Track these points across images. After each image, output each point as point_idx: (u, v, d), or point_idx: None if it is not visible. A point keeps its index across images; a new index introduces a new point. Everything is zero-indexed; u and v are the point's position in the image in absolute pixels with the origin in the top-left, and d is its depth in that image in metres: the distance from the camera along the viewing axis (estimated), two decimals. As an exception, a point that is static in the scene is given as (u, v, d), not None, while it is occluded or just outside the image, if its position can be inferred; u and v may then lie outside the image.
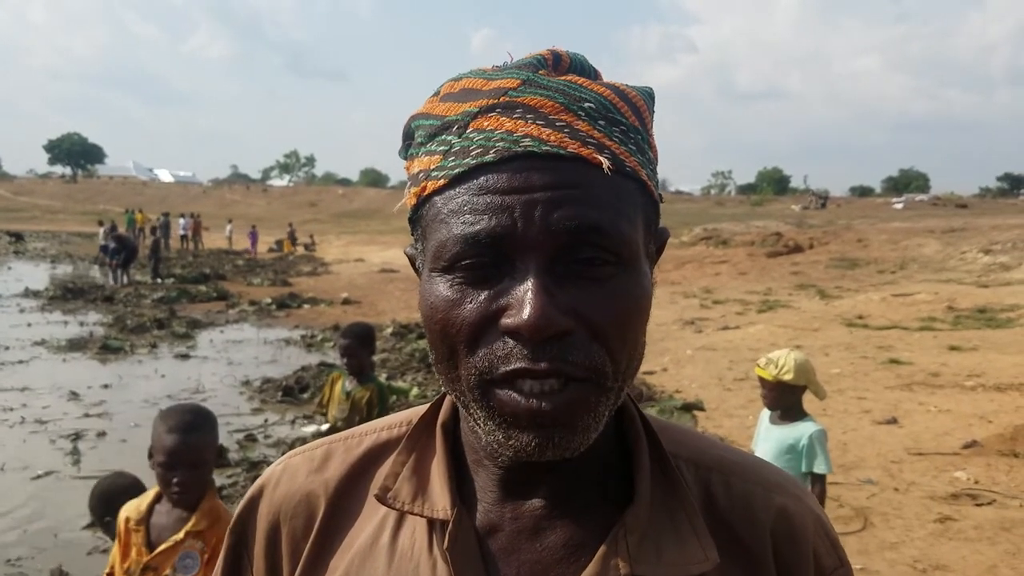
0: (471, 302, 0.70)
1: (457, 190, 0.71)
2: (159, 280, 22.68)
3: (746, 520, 0.81)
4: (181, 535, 2.48)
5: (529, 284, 0.68)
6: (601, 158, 0.70)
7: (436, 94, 0.78)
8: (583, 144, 0.70)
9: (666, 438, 0.84)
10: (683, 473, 0.83)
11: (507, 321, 0.68)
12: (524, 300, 0.67)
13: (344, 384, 4.73)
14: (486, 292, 0.70)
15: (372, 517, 0.84)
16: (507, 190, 0.69)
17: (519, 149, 0.69)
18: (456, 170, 0.71)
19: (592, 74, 0.78)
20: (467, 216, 0.70)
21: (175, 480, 2.51)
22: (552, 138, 0.69)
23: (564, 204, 0.68)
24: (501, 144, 0.70)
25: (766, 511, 0.82)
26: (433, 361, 0.76)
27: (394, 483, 0.82)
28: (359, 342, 4.71)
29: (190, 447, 2.53)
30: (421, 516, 0.80)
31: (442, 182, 0.72)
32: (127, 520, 2.58)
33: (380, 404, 4.55)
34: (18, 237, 40.13)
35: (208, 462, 2.60)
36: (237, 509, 0.93)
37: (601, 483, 0.81)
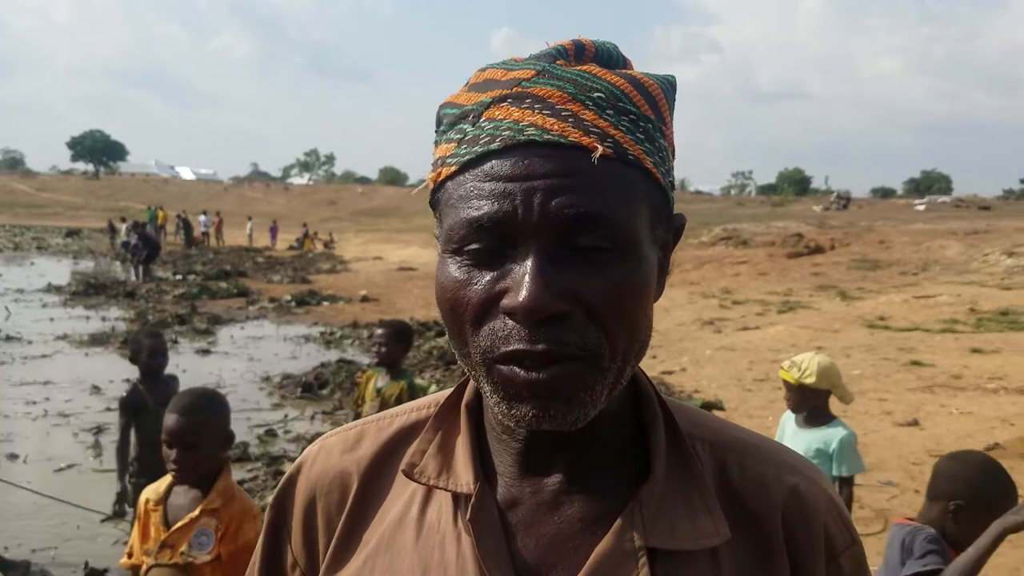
0: (476, 283, 0.74)
1: (466, 176, 0.75)
2: (151, 278, 22.41)
3: (759, 499, 0.84)
4: (196, 512, 2.56)
5: (527, 267, 0.71)
6: (597, 144, 0.72)
7: (467, 83, 0.82)
8: (585, 133, 0.73)
9: (683, 419, 0.87)
10: (699, 452, 0.86)
11: (506, 302, 0.72)
12: (522, 283, 0.71)
13: (376, 381, 4.75)
14: (490, 274, 0.74)
15: (402, 493, 0.88)
16: (509, 177, 0.72)
17: (523, 137, 0.73)
18: (466, 157, 0.75)
19: (618, 62, 0.80)
20: (473, 201, 0.74)
21: (172, 458, 2.62)
22: (555, 127, 0.72)
23: (563, 192, 0.71)
24: (507, 133, 0.73)
25: (778, 491, 0.84)
26: (448, 337, 0.81)
27: (421, 459, 0.86)
28: (395, 335, 4.76)
29: (184, 428, 2.63)
30: (446, 490, 0.84)
31: (454, 168, 0.77)
32: (147, 501, 2.67)
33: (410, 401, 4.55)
34: (71, 232, 43.56)
35: (200, 446, 2.64)
36: (277, 487, 0.97)
37: (618, 460, 0.84)
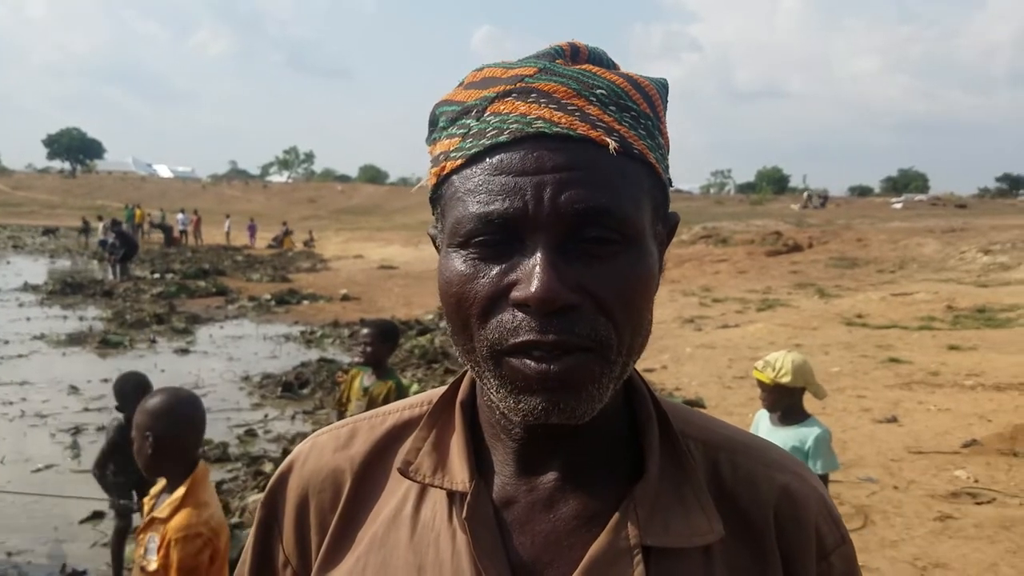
0: (484, 277, 0.74)
1: (473, 169, 0.75)
2: (128, 277, 21.97)
3: (751, 498, 0.84)
4: (147, 519, 2.54)
5: (538, 260, 0.71)
6: (608, 139, 0.73)
7: (461, 83, 0.82)
8: (592, 127, 0.73)
9: (676, 417, 0.88)
10: (691, 451, 0.86)
11: (516, 294, 0.72)
12: (533, 275, 0.71)
13: (362, 380, 4.73)
14: (498, 267, 0.74)
15: (396, 491, 0.88)
16: (519, 171, 0.73)
17: (531, 130, 0.73)
18: (473, 150, 0.75)
19: (609, 66, 0.81)
20: (482, 196, 0.73)
21: None
22: (563, 120, 0.73)
23: (572, 185, 0.72)
24: (515, 126, 0.73)
25: (769, 489, 0.85)
26: (449, 333, 0.80)
27: (416, 457, 0.86)
28: (381, 335, 4.76)
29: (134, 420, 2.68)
30: (441, 488, 0.84)
31: (460, 162, 0.76)
32: (149, 495, 2.69)
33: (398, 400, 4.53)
34: (48, 230, 43.99)
35: (135, 439, 2.61)
36: (268, 485, 0.96)
37: (612, 458, 0.84)
